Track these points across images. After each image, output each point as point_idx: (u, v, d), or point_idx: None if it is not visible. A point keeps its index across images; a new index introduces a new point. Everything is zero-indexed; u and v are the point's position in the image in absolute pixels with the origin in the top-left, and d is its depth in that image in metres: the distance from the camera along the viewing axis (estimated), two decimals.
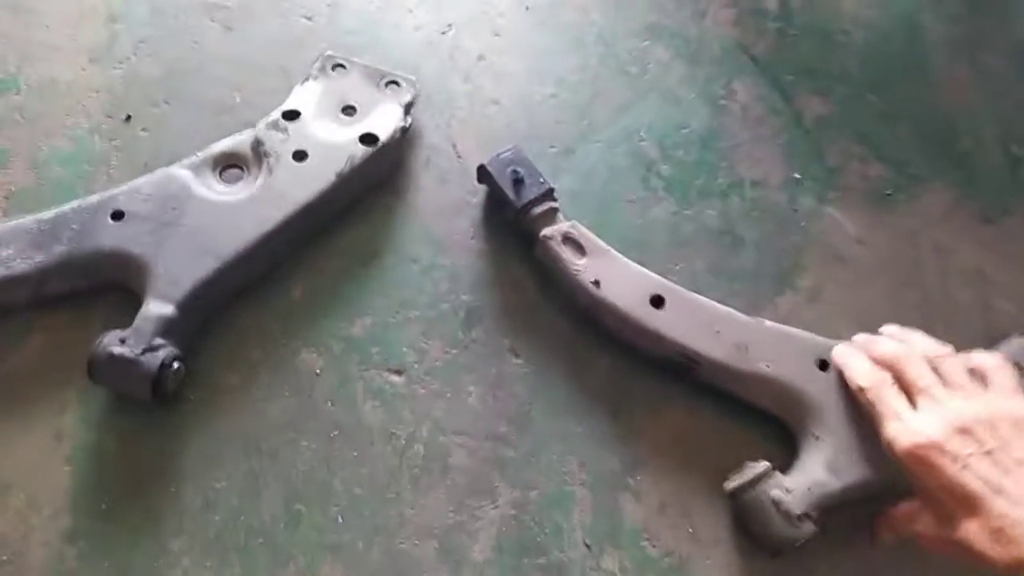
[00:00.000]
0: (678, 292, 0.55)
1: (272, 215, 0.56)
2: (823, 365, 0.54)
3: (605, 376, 0.57)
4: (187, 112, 0.64)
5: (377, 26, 0.70)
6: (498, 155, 0.59)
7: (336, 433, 0.53)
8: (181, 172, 0.57)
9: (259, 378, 0.54)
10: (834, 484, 0.50)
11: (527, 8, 0.72)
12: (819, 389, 0.53)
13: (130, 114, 0.63)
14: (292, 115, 0.60)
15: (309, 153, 0.59)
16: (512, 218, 0.58)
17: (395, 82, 0.64)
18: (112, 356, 0.49)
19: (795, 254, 0.62)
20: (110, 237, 0.54)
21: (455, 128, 0.66)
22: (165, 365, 0.50)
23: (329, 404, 0.54)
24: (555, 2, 0.73)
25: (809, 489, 0.50)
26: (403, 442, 0.53)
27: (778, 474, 0.51)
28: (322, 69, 0.64)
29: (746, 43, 0.73)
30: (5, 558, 0.48)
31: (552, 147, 0.66)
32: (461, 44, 0.70)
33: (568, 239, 0.56)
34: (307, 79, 0.63)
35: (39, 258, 0.53)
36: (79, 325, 0.55)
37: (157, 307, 0.52)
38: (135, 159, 0.61)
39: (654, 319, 0.54)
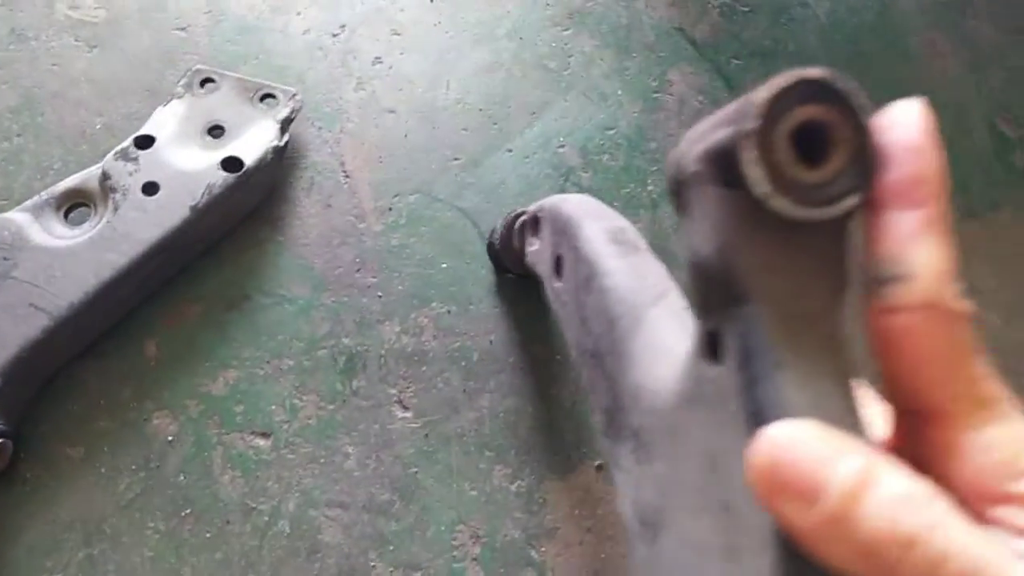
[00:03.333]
0: None
1: (115, 260, 0.50)
2: None
3: (505, 430, 0.50)
4: (42, 144, 0.58)
5: (260, 32, 0.64)
6: None
7: (188, 511, 0.47)
8: (16, 216, 0.52)
9: (104, 450, 0.49)
10: None
11: (428, 4, 0.65)
12: None
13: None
14: (145, 142, 0.55)
15: (161, 185, 0.53)
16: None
17: (271, 95, 0.58)
18: None
19: None
20: None
21: (344, 143, 0.59)
22: None
23: (181, 477, 0.48)
24: None
25: None
26: (265, 519, 0.47)
27: None
28: (188, 86, 0.58)
29: (686, 26, 0.65)
30: None
31: (455, 159, 0.59)
32: (355, 46, 0.64)
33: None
34: (171, 99, 0.57)
35: None
36: None
37: None
38: None
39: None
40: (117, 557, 0.46)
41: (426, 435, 0.49)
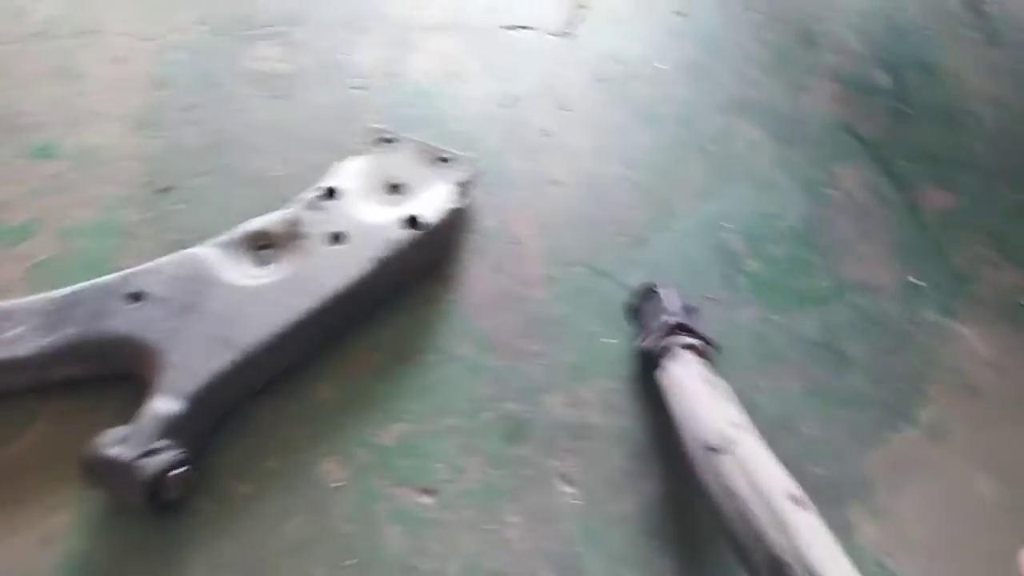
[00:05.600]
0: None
1: (301, 303, 0.53)
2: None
3: (671, 519, 0.50)
4: (227, 185, 0.63)
5: (433, 97, 0.68)
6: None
7: (352, 563, 0.48)
8: (206, 252, 0.55)
9: (273, 490, 0.50)
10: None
11: (599, 80, 0.69)
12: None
13: (169, 185, 0.62)
14: (332, 193, 0.58)
15: (347, 235, 0.56)
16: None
17: (449, 159, 0.61)
18: (106, 459, 0.46)
19: (914, 379, 0.55)
20: (124, 321, 0.52)
21: (512, 210, 0.62)
22: (163, 472, 0.46)
23: (346, 525, 0.49)
24: (629, 74, 0.70)
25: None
26: None
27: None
28: (369, 144, 0.62)
29: (852, 123, 0.67)
30: None
31: (621, 235, 0.61)
32: (523, 118, 0.67)
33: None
34: (352, 154, 0.61)
35: (46, 340, 0.51)
36: (87, 415, 0.52)
37: (164, 403, 0.49)
38: (167, 233, 0.60)
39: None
40: None
41: (590, 514, 0.50)
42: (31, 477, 0.50)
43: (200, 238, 0.56)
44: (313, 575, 0.48)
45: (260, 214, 0.58)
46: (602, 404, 0.54)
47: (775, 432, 0.52)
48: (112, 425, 0.48)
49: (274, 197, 0.61)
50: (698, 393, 0.49)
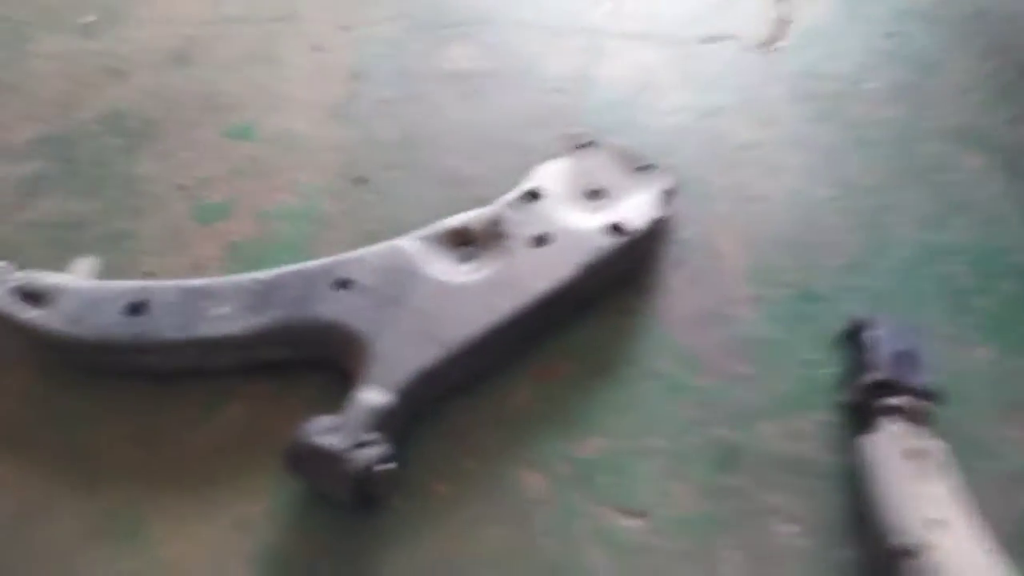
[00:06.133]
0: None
1: (506, 304, 0.52)
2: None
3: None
4: (420, 181, 0.62)
5: (629, 107, 0.66)
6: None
7: None
8: (409, 245, 0.54)
9: (471, 494, 0.48)
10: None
11: (803, 97, 0.66)
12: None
13: (363, 177, 0.62)
14: (534, 195, 0.57)
15: (551, 238, 0.54)
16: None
17: (649, 167, 0.59)
18: (316, 448, 0.45)
19: None
20: (332, 308, 0.51)
21: (713, 225, 0.59)
22: (372, 466, 0.45)
23: (547, 542, 0.47)
24: (837, 92, 0.67)
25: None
26: None
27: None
28: (568, 147, 0.60)
29: None
30: None
31: (836, 259, 0.57)
32: (722, 132, 0.65)
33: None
34: (551, 157, 0.60)
35: (253, 321, 0.51)
36: (283, 399, 0.52)
37: (373, 395, 0.48)
38: (362, 224, 0.59)
39: None
40: None
41: (816, 558, 0.46)
42: (225, 460, 0.50)
43: (394, 232, 0.56)
44: None
45: (453, 212, 0.57)
46: (822, 439, 0.50)
47: (1018, 486, 0.47)
48: (305, 413, 0.47)
49: (467, 197, 0.60)
50: (893, 480, 0.44)
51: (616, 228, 0.55)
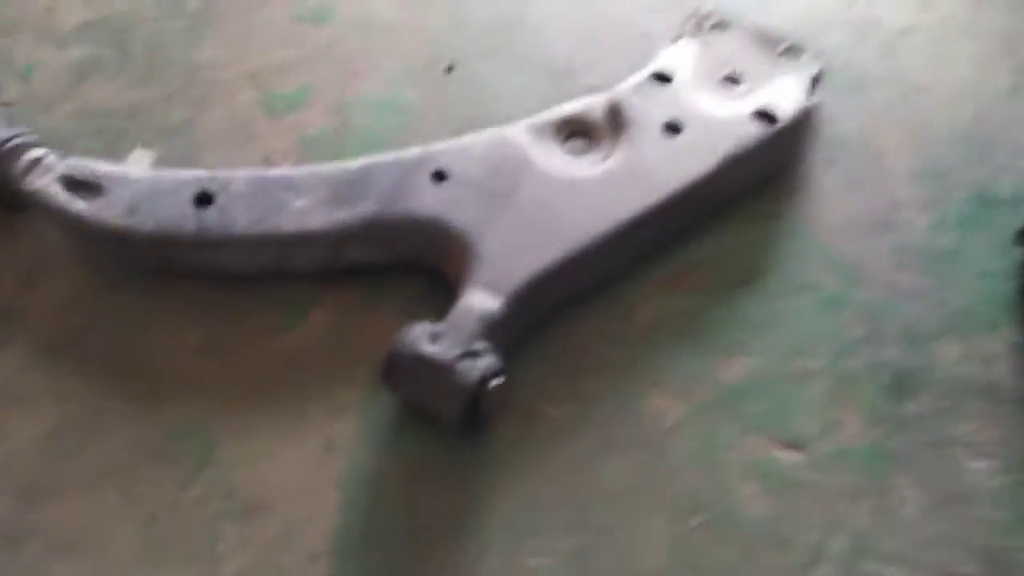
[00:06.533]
0: None
1: (635, 200, 0.44)
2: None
3: None
4: (517, 69, 0.54)
5: None
6: None
7: (700, 520, 0.38)
8: (517, 135, 0.47)
9: (591, 419, 0.41)
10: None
11: None
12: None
13: (452, 64, 0.54)
14: (663, 77, 0.48)
15: (685, 126, 0.46)
16: None
17: (795, 50, 0.50)
18: (420, 357, 0.38)
19: None
20: (429, 202, 0.44)
21: (870, 119, 0.51)
22: (486, 379, 0.38)
23: (688, 476, 0.40)
24: None
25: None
26: (804, 557, 0.37)
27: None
28: (698, 27, 0.52)
29: None
30: None
31: (1019, 158, 0.48)
32: (875, 15, 0.55)
33: None
34: (679, 38, 0.51)
35: (340, 215, 0.44)
36: (371, 307, 0.45)
37: (481, 299, 0.41)
38: (452, 116, 0.52)
39: None
40: (613, 556, 0.38)
41: (1018, 501, 0.38)
42: (307, 374, 0.44)
43: (487, 125, 0.48)
44: (654, 532, 0.38)
45: (558, 102, 0.49)
46: (1015, 362, 0.42)
47: None
48: (398, 322, 0.40)
49: (573, 88, 0.51)
50: None
51: (763, 115, 0.46)
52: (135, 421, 0.42)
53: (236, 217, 0.44)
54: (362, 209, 0.44)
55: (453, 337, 0.39)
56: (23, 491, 0.40)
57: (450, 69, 0.54)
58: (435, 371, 0.38)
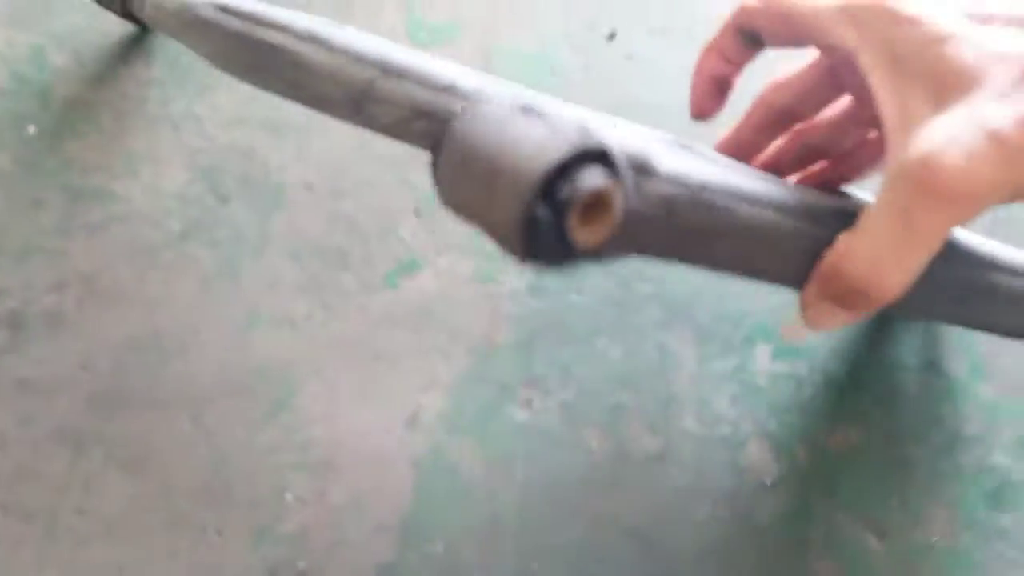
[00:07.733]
0: None
1: None
2: None
3: None
4: (689, 45, 0.50)
5: None
6: None
7: None
8: None
9: (684, 458, 0.41)
10: None
11: None
12: None
13: (614, 32, 0.50)
14: None
15: None
16: None
17: None
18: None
19: None
20: None
21: None
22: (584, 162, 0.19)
23: (770, 538, 0.39)
24: None
25: None
26: None
27: None
28: None
29: None
30: None
31: None
32: None
33: None
34: None
35: None
36: (482, 282, 0.44)
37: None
38: (608, 89, 0.49)
39: None
40: None
41: None
42: (406, 337, 0.43)
43: (649, 108, 0.47)
44: None
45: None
46: None
47: None
48: (509, 302, 0.40)
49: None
50: None
51: None
52: (220, 347, 0.42)
53: None
54: None
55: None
56: (96, 396, 0.41)
57: (612, 36, 0.50)
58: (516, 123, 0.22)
